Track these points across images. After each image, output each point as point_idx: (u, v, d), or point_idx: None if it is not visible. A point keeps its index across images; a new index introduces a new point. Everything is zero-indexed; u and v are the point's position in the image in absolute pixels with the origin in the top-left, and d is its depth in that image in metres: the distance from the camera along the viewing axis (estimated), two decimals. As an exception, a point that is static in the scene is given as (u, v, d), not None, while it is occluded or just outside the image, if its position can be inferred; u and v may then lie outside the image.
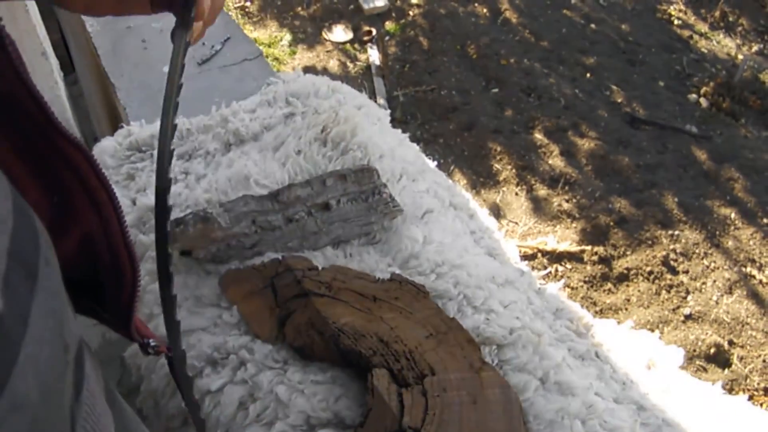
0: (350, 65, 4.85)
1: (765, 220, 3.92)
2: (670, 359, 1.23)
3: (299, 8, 5.28)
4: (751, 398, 2.90)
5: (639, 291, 3.50)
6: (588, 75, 4.88)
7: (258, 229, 1.18)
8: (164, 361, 1.15)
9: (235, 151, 1.42)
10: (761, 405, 3.07)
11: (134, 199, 1.38)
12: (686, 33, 5.43)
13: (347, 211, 1.20)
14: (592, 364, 1.14)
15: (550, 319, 1.18)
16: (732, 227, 3.86)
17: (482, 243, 1.30)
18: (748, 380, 3.18)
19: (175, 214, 1.30)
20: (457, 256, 1.17)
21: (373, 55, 4.86)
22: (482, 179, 4.03)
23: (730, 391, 3.08)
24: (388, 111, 1.61)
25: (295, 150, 1.35)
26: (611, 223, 3.77)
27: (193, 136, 1.48)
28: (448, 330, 1.01)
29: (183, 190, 1.36)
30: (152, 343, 0.76)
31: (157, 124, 1.53)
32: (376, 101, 4.06)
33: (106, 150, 1.49)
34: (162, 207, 0.70)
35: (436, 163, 1.53)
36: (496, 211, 3.82)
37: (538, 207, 3.90)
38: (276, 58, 4.82)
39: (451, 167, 4.03)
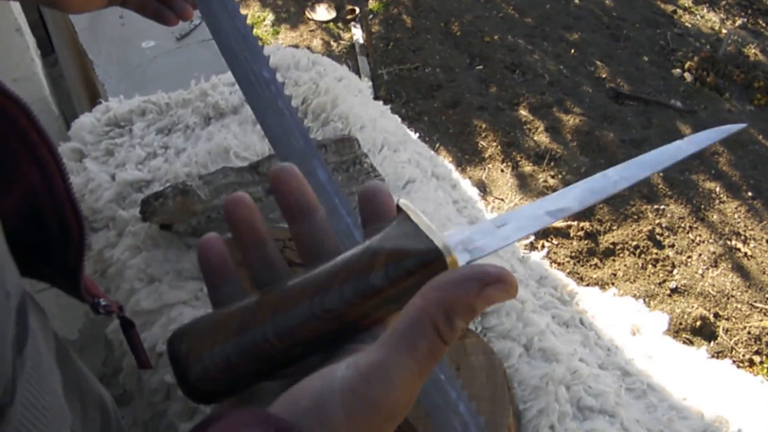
0: (334, 44, 4.82)
1: (749, 194, 3.93)
2: (654, 326, 1.23)
3: (281, -13, 5.24)
4: (736, 369, 2.92)
5: (625, 265, 3.51)
6: (572, 51, 4.86)
7: (238, 201, 1.17)
8: (144, 337, 1.14)
9: (214, 124, 1.41)
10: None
11: (113, 174, 1.36)
12: (670, 8, 5.41)
13: (328, 181, 1.19)
14: (577, 331, 1.14)
15: (534, 287, 1.18)
16: (717, 201, 3.87)
17: (465, 213, 1.29)
18: (733, 352, 3.20)
19: (154, 189, 1.29)
20: (440, 225, 1.16)
21: (357, 34, 4.83)
22: (467, 156, 4.02)
23: (716, 362, 3.09)
24: (370, 83, 1.60)
25: (276, 122, 1.33)
26: (597, 199, 3.77)
27: (173, 110, 1.47)
28: (431, 297, 1.00)
29: (162, 164, 1.35)
30: (102, 303, 0.75)
31: (136, 99, 1.52)
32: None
33: (84, 126, 1.48)
34: None
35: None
36: (482, 188, 3.82)
37: (524, 183, 3.89)
38: (259, 39, 4.77)
39: (437, 145, 4.02)
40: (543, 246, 3.53)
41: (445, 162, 1.42)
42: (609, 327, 1.19)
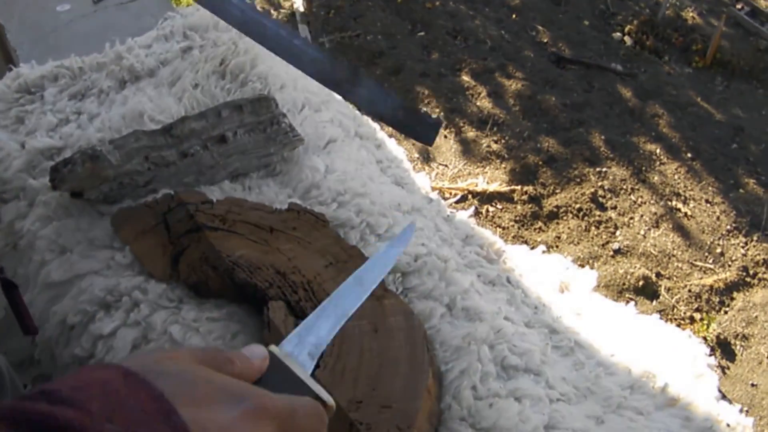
0: (274, 13, 4.73)
1: (689, 155, 3.97)
2: (583, 282, 1.21)
3: (218, -45, 5.11)
4: (678, 327, 2.95)
5: (569, 228, 3.52)
6: (514, 16, 4.85)
7: (151, 165, 1.12)
8: (55, 310, 1.09)
9: (129, 88, 1.35)
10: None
11: (23, 142, 1.30)
12: (610, -29, 5.42)
13: (244, 142, 1.14)
14: (503, 290, 1.12)
15: (459, 246, 1.15)
16: (657, 162, 3.90)
17: (389, 172, 1.26)
18: (675, 310, 3.24)
19: (66, 155, 1.23)
20: (361, 184, 1.12)
21: (298, 2, 4.75)
22: (410, 123, 3.97)
23: (658, 321, 3.12)
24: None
25: (192, 84, 1.28)
26: (540, 163, 3.78)
27: (86, 75, 1.41)
28: (349, 258, 0.97)
29: (75, 130, 1.29)
30: None
31: (48, 65, 1.45)
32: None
33: (-6, 94, 1.41)
34: None
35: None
36: (426, 154, 3.79)
37: (467, 149, 3.88)
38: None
39: (379, 112, 3.97)
40: (487, 211, 3.52)
41: (370, 121, 1.39)
42: (537, 285, 1.17)
